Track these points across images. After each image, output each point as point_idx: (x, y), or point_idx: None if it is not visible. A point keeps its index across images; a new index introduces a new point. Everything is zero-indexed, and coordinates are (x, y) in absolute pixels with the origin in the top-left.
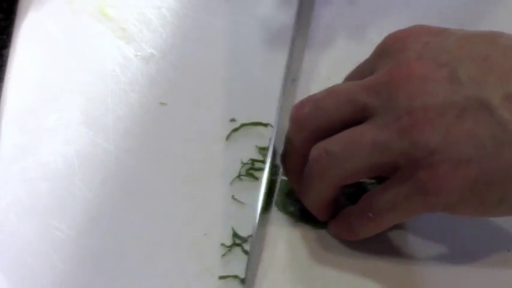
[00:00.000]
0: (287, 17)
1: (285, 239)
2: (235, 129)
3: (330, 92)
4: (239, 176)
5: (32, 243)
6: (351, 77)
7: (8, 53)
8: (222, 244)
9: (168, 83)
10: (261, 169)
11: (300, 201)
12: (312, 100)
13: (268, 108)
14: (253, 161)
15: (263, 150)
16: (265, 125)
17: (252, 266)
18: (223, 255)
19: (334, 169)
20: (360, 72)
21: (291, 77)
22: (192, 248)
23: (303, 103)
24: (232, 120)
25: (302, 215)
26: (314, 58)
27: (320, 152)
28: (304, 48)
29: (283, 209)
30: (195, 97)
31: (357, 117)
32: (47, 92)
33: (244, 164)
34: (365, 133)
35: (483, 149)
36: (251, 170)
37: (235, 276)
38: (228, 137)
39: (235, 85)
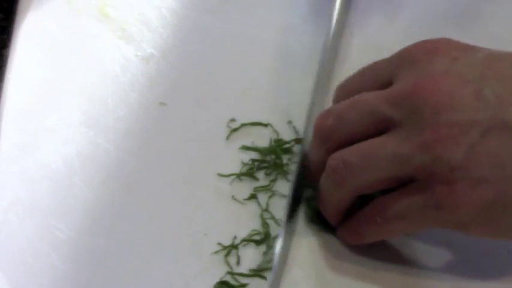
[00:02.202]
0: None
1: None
2: (235, 129)
3: (353, 103)
4: (239, 176)
5: (32, 243)
6: (364, 73)
7: (8, 53)
8: (219, 243)
9: (168, 83)
10: (261, 169)
11: (312, 208)
12: (335, 112)
13: (268, 108)
14: (253, 161)
15: (263, 150)
16: (265, 125)
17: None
18: (225, 255)
19: (351, 180)
20: (378, 75)
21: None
22: (192, 248)
23: (326, 114)
24: (232, 120)
25: (317, 217)
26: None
27: (337, 162)
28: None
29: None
30: (195, 97)
31: (379, 129)
32: (47, 92)
33: (244, 164)
34: (385, 145)
35: (503, 171)
36: (251, 170)
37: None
38: (228, 137)
39: (235, 85)
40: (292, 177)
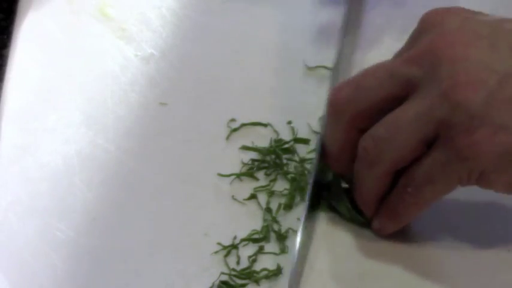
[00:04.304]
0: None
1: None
2: (235, 129)
3: (370, 70)
4: (239, 176)
5: (32, 243)
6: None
7: (8, 53)
8: (219, 243)
9: (168, 83)
10: (261, 169)
11: (345, 200)
12: (351, 81)
13: (268, 108)
14: (253, 161)
15: (263, 150)
16: (265, 125)
17: (296, 269)
18: (225, 255)
19: (384, 154)
20: (400, 53)
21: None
22: (192, 248)
23: (341, 86)
24: (232, 120)
25: (349, 214)
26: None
27: (367, 141)
28: (353, 49)
29: (332, 207)
30: (195, 97)
31: (401, 94)
32: (47, 92)
33: (244, 164)
34: (408, 109)
35: None
36: (251, 170)
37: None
38: (228, 137)
39: (235, 85)
40: (310, 175)
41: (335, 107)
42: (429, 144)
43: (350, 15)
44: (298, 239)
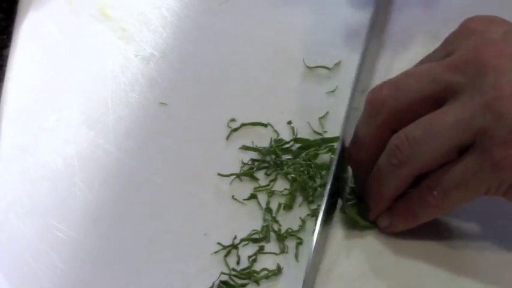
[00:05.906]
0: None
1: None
2: (235, 129)
3: (411, 73)
4: (239, 176)
5: (33, 244)
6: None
7: (8, 53)
8: (219, 243)
9: (168, 83)
10: (261, 169)
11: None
12: (391, 82)
13: (268, 108)
14: (253, 161)
15: (263, 150)
16: (265, 125)
17: (311, 271)
18: (225, 255)
19: (416, 156)
20: (435, 55)
21: (361, 86)
22: (192, 248)
23: (380, 85)
24: (232, 120)
25: (354, 216)
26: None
27: (402, 140)
28: (379, 52)
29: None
30: (195, 97)
31: (439, 98)
32: (47, 92)
33: (244, 164)
34: (447, 113)
35: None
36: (251, 170)
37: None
38: (228, 137)
39: (235, 85)
40: (328, 181)
41: (373, 105)
42: (461, 151)
43: (377, 17)
44: (314, 243)
